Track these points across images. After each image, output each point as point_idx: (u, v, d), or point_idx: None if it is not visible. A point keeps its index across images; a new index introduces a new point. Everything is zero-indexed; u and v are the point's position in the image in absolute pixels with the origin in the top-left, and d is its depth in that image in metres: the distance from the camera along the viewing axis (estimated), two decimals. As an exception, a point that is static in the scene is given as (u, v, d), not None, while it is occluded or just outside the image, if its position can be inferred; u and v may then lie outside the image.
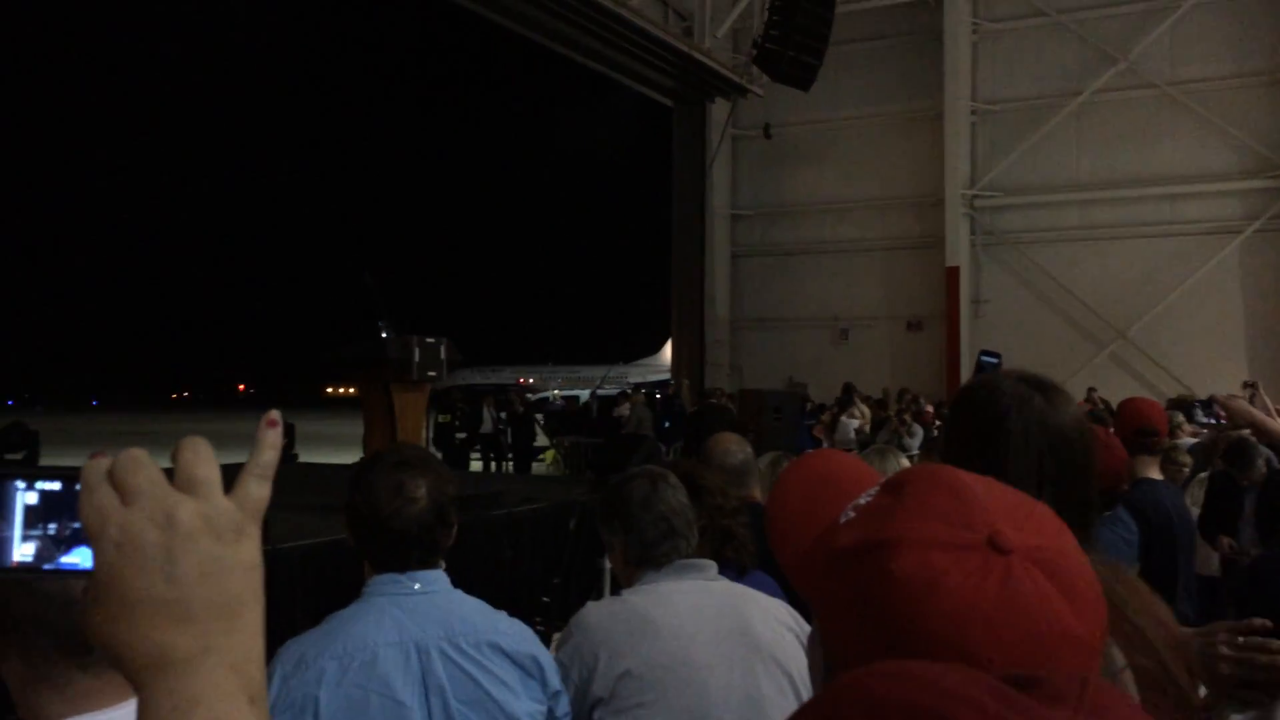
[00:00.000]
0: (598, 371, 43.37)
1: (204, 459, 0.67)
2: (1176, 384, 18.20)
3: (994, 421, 1.50)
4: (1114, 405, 12.51)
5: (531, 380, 41.42)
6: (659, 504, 2.34)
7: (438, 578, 2.13)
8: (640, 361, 46.11)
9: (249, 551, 0.67)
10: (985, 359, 4.19)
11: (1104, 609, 0.68)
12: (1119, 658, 1.31)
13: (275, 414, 0.71)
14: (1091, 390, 15.72)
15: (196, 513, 0.65)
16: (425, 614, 2.06)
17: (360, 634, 2.01)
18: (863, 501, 0.74)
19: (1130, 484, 4.33)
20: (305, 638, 2.06)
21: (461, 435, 18.06)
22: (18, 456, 9.88)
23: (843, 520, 0.73)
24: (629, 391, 22.03)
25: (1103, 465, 3.26)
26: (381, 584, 2.10)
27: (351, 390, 8.20)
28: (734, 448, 3.49)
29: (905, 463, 3.70)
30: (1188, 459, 6.08)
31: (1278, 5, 18.94)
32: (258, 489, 0.68)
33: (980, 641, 0.63)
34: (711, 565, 2.39)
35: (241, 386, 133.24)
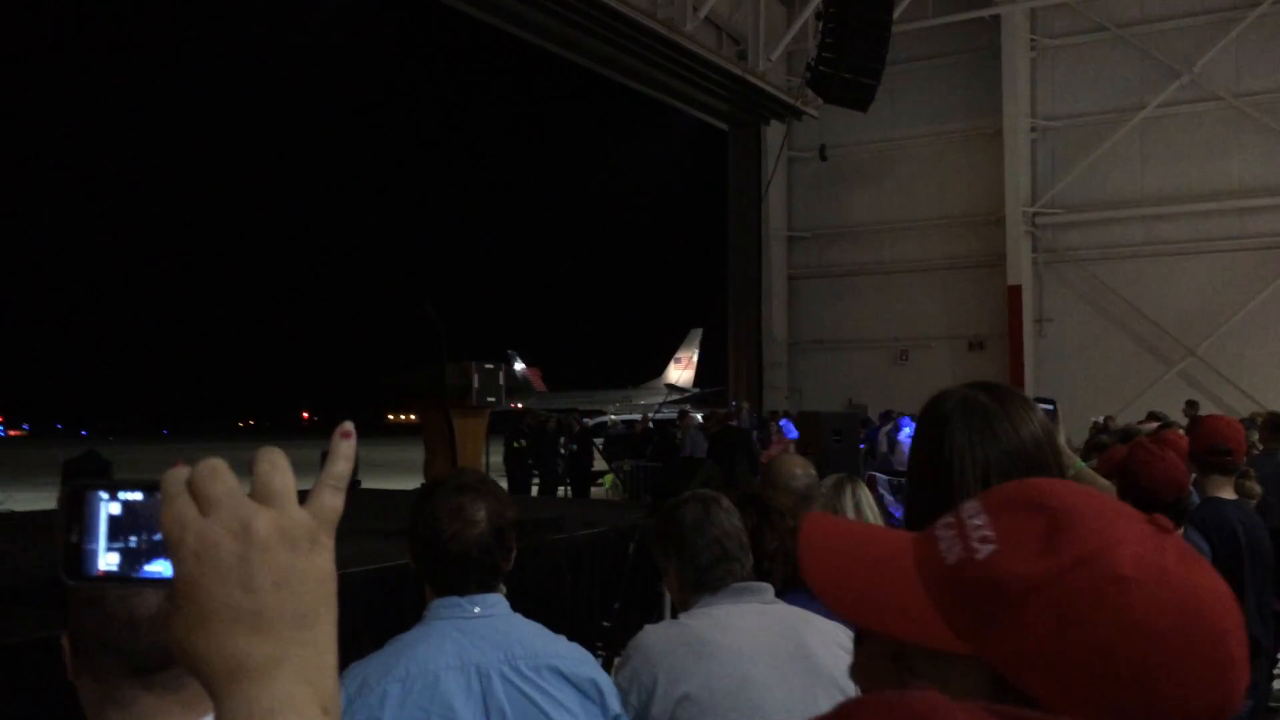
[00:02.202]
0: (636, 395, 43.27)
1: (280, 470, 0.68)
2: (1250, 401, 17.72)
3: (935, 447, 1.47)
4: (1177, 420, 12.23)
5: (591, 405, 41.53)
6: (712, 527, 2.33)
7: (497, 601, 2.14)
8: (646, 384, 45.75)
9: (323, 561, 0.68)
10: (1040, 405, 4.13)
11: None
12: None
13: (349, 425, 0.71)
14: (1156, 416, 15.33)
15: (272, 523, 0.66)
16: (485, 637, 2.07)
17: (422, 657, 2.03)
18: (986, 531, 0.70)
19: (1200, 502, 4.23)
20: (368, 661, 2.08)
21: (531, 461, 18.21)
22: (91, 485, 10.09)
23: (977, 555, 0.69)
24: (687, 413, 22.00)
25: (1161, 477, 3.21)
26: (442, 608, 2.12)
27: (412, 417, 8.28)
28: (799, 471, 3.47)
29: (864, 493, 3.65)
30: (1256, 488, 5.88)
31: (1347, 13, 18.51)
32: (332, 499, 0.69)
33: (1214, 618, 0.66)
34: (768, 588, 2.37)
35: (306, 415, 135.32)
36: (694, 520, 2.34)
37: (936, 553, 0.72)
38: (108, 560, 0.72)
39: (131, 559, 0.72)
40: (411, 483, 13.19)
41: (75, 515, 0.72)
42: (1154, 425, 9.46)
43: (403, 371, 7.47)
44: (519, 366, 54.88)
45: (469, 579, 2.11)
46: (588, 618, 6.81)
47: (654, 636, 2.28)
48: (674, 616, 2.42)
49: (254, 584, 0.64)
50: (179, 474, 0.68)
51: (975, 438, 1.44)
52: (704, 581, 2.31)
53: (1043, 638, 0.66)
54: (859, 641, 1.43)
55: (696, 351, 45.14)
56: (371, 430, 66.84)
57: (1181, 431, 6.51)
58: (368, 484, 12.94)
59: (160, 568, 0.71)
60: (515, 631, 2.12)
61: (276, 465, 0.68)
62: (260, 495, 0.67)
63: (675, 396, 40.85)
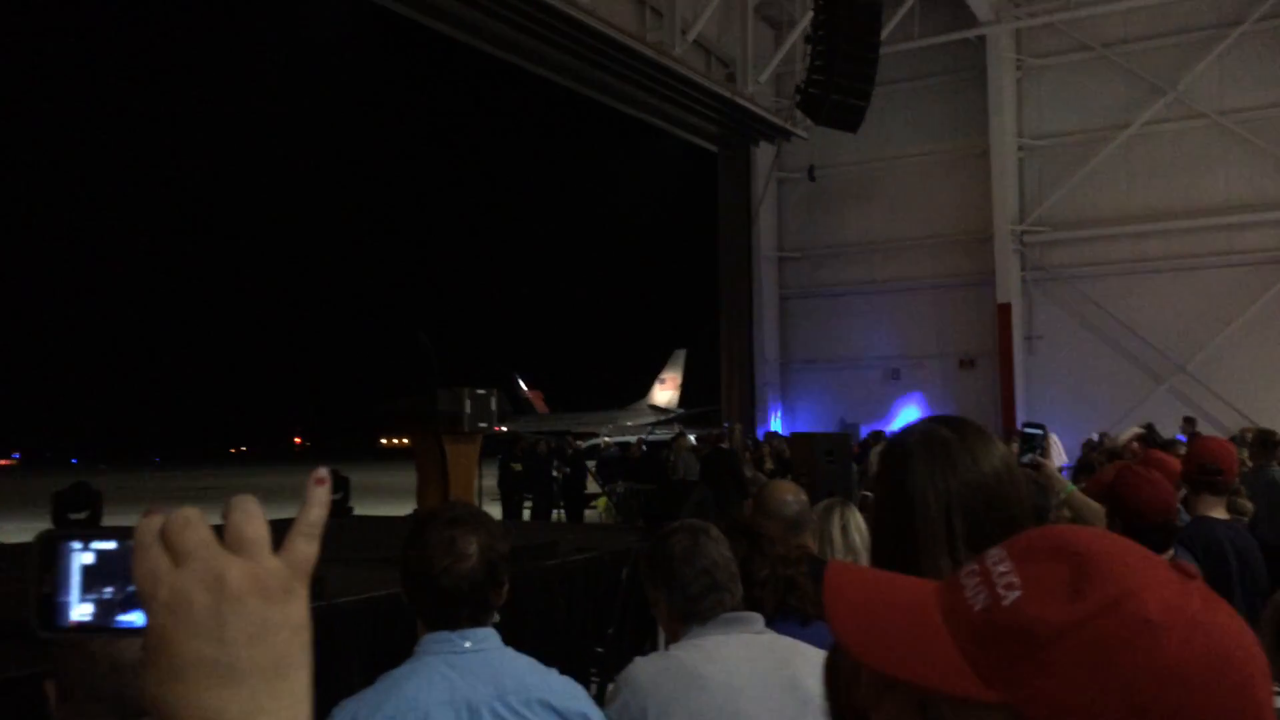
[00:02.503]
0: (621, 417, 43.29)
1: (253, 518, 0.67)
2: (1240, 417, 17.78)
3: (899, 481, 1.48)
4: (1165, 439, 12.27)
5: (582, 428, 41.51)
6: (700, 558, 2.33)
7: (488, 635, 2.14)
8: (631, 406, 45.82)
9: (297, 611, 0.67)
10: (1028, 430, 4.16)
11: None
12: None
13: (323, 471, 0.71)
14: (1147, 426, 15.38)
15: (246, 573, 0.65)
16: (476, 672, 2.07)
17: (412, 695, 2.03)
18: (1012, 577, 0.70)
19: (1190, 521, 4.25)
20: (360, 698, 2.08)
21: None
22: (81, 516, 10.05)
23: (1004, 602, 0.69)
24: (681, 435, 22.01)
25: (1148, 499, 3.22)
26: (432, 643, 2.11)
27: (405, 441, 8.26)
28: (790, 497, 3.45)
29: (853, 516, 3.65)
30: (1248, 505, 5.89)
31: (1328, 31, 18.70)
32: (306, 547, 0.68)
33: (1239, 663, 0.65)
34: (758, 618, 2.37)
35: (298, 440, 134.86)
36: (683, 551, 2.34)
37: (963, 600, 0.71)
38: (81, 611, 0.71)
39: (105, 609, 0.72)
40: (404, 508, 13.16)
41: (47, 566, 0.71)
42: (1134, 433, 9.48)
43: (395, 397, 7.47)
44: (522, 388, 54.91)
45: (459, 613, 2.11)
46: (581, 644, 6.79)
47: (643, 669, 2.28)
48: (667, 643, 2.42)
49: (227, 636, 0.64)
50: (152, 523, 0.67)
51: (937, 472, 1.45)
52: (693, 612, 2.30)
53: (1071, 684, 0.66)
54: (832, 676, 1.44)
55: (680, 372, 45.29)
56: (364, 455, 66.63)
57: (1181, 448, 6.54)
58: (360, 510, 12.90)
59: (135, 618, 0.70)
60: (506, 666, 2.12)
61: (250, 514, 0.67)
62: (234, 545, 0.66)
63: (661, 418, 40.87)
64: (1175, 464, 3.73)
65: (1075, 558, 0.69)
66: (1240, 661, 0.65)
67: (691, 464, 15.70)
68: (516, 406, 50.58)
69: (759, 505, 3.49)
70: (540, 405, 54.12)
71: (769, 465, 15.03)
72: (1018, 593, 0.69)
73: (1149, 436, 12.17)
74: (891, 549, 1.48)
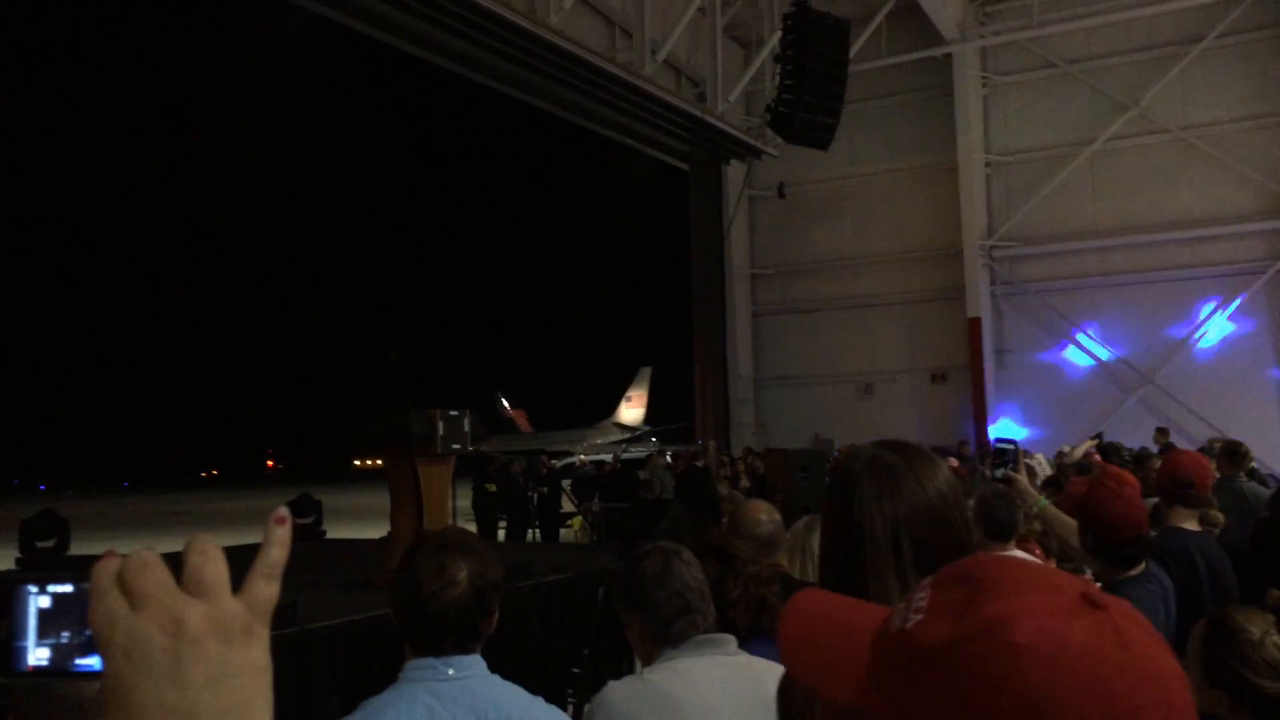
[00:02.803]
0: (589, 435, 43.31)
1: (212, 560, 0.66)
2: (1208, 427, 17.99)
3: (845, 505, 1.50)
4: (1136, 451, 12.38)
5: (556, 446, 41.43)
6: (673, 580, 2.33)
7: (473, 663, 2.12)
8: (599, 424, 45.92)
9: (257, 653, 0.66)
10: (1001, 445, 4.21)
11: None
12: None
13: (284, 511, 0.70)
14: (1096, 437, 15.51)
15: (205, 616, 0.64)
16: (457, 700, 2.05)
17: None
18: (923, 602, 0.72)
19: (1160, 532, 4.29)
20: None
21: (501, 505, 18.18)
22: (49, 544, 9.93)
23: (908, 624, 0.71)
24: (657, 453, 22.02)
25: (1119, 515, 3.25)
26: (415, 669, 2.10)
27: (378, 462, 8.21)
28: (763, 517, 3.46)
29: None
30: (1219, 517, 5.95)
31: (1286, 47, 19.05)
32: (266, 588, 0.68)
33: (1121, 694, 0.63)
34: (731, 639, 2.37)
35: (271, 463, 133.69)
36: (655, 574, 2.34)
37: (884, 625, 0.74)
38: (38, 655, 0.71)
39: (63, 653, 0.71)
40: (378, 531, 13.06)
41: (3, 610, 0.71)
42: (1086, 447, 9.57)
43: (368, 419, 7.44)
44: (505, 408, 54.75)
45: (445, 640, 2.10)
46: (557, 665, 6.76)
47: (617, 693, 2.27)
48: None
49: (186, 680, 0.63)
50: (109, 567, 0.66)
51: (883, 496, 1.47)
52: (666, 635, 2.30)
53: (936, 702, 0.67)
54: (786, 698, 1.45)
55: (647, 390, 45.54)
56: (337, 477, 66.12)
57: (1156, 460, 6.60)
58: (333, 533, 12.81)
59: (93, 661, 0.70)
60: (489, 694, 2.10)
61: (209, 555, 0.67)
62: (192, 587, 0.65)
63: (628, 435, 40.91)
64: (1132, 479, 3.77)
65: (974, 583, 0.70)
66: (1123, 694, 0.63)
67: (667, 482, 15.70)
68: (500, 426, 50.50)
69: (732, 525, 3.50)
70: (524, 425, 53.98)
71: (745, 483, 15.03)
72: (920, 616, 0.71)
73: (1104, 448, 12.33)
74: (840, 572, 1.50)
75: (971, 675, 0.66)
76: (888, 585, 1.42)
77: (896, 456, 1.52)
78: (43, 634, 0.71)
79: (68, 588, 0.72)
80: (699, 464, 15.15)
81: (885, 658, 0.72)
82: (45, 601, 0.72)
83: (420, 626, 2.11)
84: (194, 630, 0.64)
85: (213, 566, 0.66)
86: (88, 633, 0.68)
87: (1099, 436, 11.96)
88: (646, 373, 45.97)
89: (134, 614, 0.64)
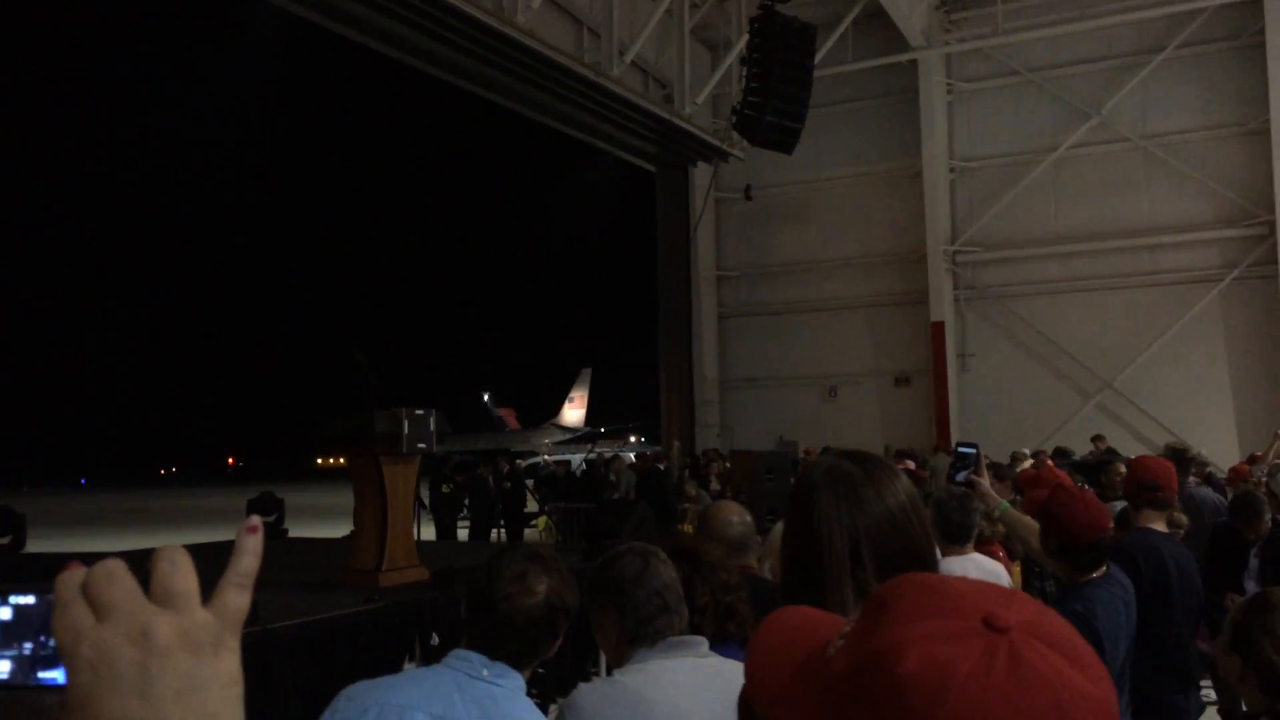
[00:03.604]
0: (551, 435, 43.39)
1: (181, 569, 0.65)
2: (1166, 432, 18.26)
3: (805, 516, 1.52)
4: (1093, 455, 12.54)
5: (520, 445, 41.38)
6: (652, 579, 2.33)
7: (513, 677, 2.12)
8: (541, 426, 46.11)
9: (228, 665, 0.65)
10: (962, 449, 4.25)
11: (1106, 669, 0.68)
12: None
13: (256, 520, 0.69)
14: (1096, 439, 15.71)
15: (173, 627, 0.63)
16: (478, 702, 2.04)
17: (410, 694, 2.02)
18: (848, 629, 0.72)
19: (1130, 533, 4.37)
20: (372, 680, 2.09)
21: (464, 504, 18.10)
22: (5, 541, 9.77)
23: (831, 651, 0.71)
24: (618, 455, 22.03)
25: (1081, 519, 3.31)
26: (456, 658, 2.11)
27: (342, 461, 8.16)
28: (734, 518, 3.46)
29: None
30: (1184, 519, 6.04)
31: (1243, 59, 19.37)
32: (237, 598, 0.66)
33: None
34: (702, 642, 2.37)
35: (231, 460, 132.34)
36: (634, 573, 2.34)
37: (820, 651, 0.74)
38: None
39: (25, 665, 0.69)
40: (341, 530, 12.98)
41: None
42: (1026, 467, 9.75)
43: (333, 416, 7.39)
44: (491, 408, 54.59)
45: (504, 644, 2.11)
46: (522, 664, 6.74)
47: (589, 696, 2.27)
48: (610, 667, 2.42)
49: (153, 693, 0.61)
50: (73, 577, 0.64)
51: (841, 506, 1.49)
52: (642, 635, 2.30)
53: (823, 704, 0.68)
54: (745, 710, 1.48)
55: (587, 390, 45.99)
56: (300, 475, 65.59)
57: (1120, 465, 6.70)
58: (295, 531, 12.71)
59: (56, 674, 0.68)
60: (510, 707, 2.09)
61: (177, 565, 0.64)
62: (160, 598, 0.63)
63: (569, 436, 41.08)
64: (1065, 477, 3.83)
65: (880, 607, 0.70)
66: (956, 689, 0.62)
67: (631, 482, 15.72)
68: (491, 425, 50.45)
69: (703, 526, 3.50)
70: (513, 423, 53.85)
71: (715, 486, 15.03)
72: (841, 641, 0.71)
73: (1057, 452, 12.57)
74: (799, 581, 1.53)
75: (862, 707, 0.66)
76: (844, 593, 1.45)
77: (856, 467, 1.54)
78: (4, 646, 0.69)
79: (30, 599, 0.70)
80: (660, 465, 15.17)
81: (806, 684, 0.72)
82: (6, 613, 0.70)
83: (485, 624, 2.12)
84: (162, 642, 0.62)
85: (181, 576, 0.64)
86: (51, 644, 0.66)
87: (1039, 454, 12.29)
88: (587, 374, 46.48)
89: (100, 625, 0.63)
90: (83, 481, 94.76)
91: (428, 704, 2.01)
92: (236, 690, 0.65)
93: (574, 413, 45.93)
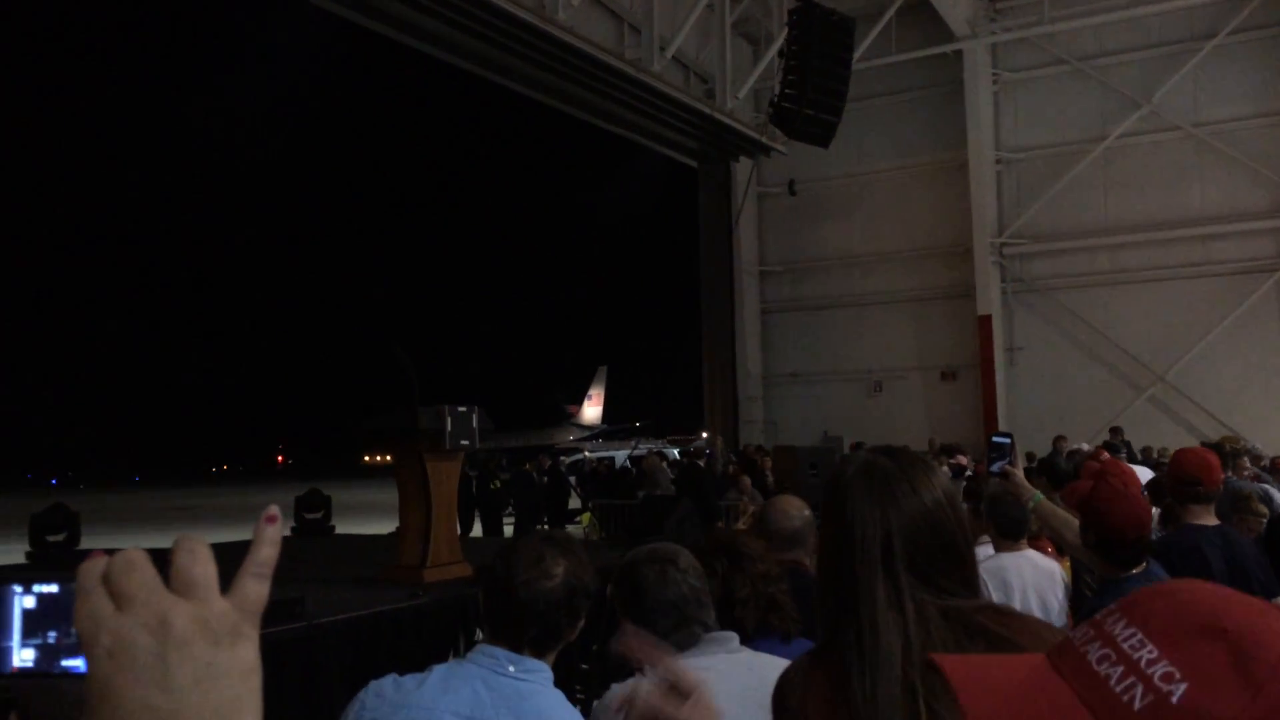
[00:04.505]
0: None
1: (200, 559, 0.65)
2: (1220, 425, 17.92)
3: (839, 512, 1.54)
4: (1141, 448, 12.33)
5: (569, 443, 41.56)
6: (668, 590, 2.29)
7: (539, 669, 2.10)
8: (563, 423, 46.22)
9: (246, 654, 0.65)
10: (996, 439, 4.18)
11: None
12: None
13: (274, 509, 0.69)
14: (1116, 431, 15.45)
15: (192, 616, 0.63)
16: (507, 699, 2.03)
17: (436, 696, 2.02)
18: (1166, 669, 0.64)
19: (1173, 530, 4.27)
20: (400, 679, 2.08)
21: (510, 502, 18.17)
22: (59, 538, 9.97)
23: (1175, 699, 0.63)
24: (651, 450, 22.03)
25: (1124, 514, 3.24)
26: (480, 654, 2.10)
27: (388, 458, 8.23)
28: (793, 511, 3.41)
29: None
30: (1264, 509, 5.89)
31: (1299, 43, 18.94)
32: (256, 588, 0.67)
33: None
34: (733, 636, 2.33)
35: (280, 458, 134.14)
36: (650, 585, 2.30)
37: (1112, 696, 0.65)
38: (22, 656, 0.70)
39: (48, 654, 0.70)
40: (387, 526, 13.09)
41: None
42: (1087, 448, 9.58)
43: (377, 414, 7.45)
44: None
45: (525, 632, 2.09)
46: (567, 661, 6.75)
47: (619, 698, 2.26)
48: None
49: (172, 683, 0.61)
50: (94, 567, 0.65)
51: (874, 501, 1.51)
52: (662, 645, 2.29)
53: None
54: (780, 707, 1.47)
55: (604, 388, 46.34)
56: (347, 472, 66.32)
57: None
58: (342, 528, 12.83)
59: (79, 662, 0.69)
60: (539, 702, 2.07)
61: (196, 554, 0.65)
62: (179, 587, 0.64)
63: (587, 434, 41.26)
64: (1136, 477, 3.75)
65: (1225, 636, 0.64)
66: None
67: (665, 480, 15.72)
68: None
69: (762, 520, 3.47)
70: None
71: (770, 481, 14.72)
72: (1183, 685, 0.63)
73: (1111, 445, 12.30)
74: (834, 574, 1.54)
75: None
76: (874, 587, 1.46)
77: (890, 462, 1.56)
78: (28, 634, 0.70)
79: (53, 588, 0.71)
80: (700, 462, 15.11)
81: None
82: (30, 602, 0.71)
83: (505, 613, 2.10)
84: (180, 631, 0.62)
85: (200, 566, 0.65)
86: (74, 633, 0.66)
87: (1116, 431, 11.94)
88: (603, 371, 46.82)
89: (119, 614, 0.63)
90: (136, 480, 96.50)
91: (455, 704, 2.00)
92: (255, 679, 0.65)
93: (592, 410, 46.25)
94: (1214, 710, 0.61)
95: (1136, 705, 0.63)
